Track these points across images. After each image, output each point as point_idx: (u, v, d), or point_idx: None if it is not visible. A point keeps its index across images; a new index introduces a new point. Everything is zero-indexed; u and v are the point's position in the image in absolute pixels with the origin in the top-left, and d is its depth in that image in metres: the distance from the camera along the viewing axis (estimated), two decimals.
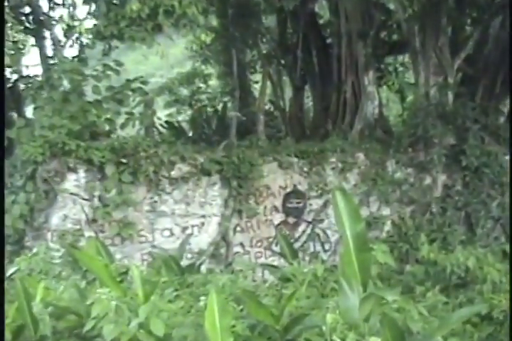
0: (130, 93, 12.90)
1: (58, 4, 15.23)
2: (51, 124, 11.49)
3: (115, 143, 11.58)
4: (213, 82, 22.60)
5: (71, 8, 15.34)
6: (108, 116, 12.54)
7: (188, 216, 12.24)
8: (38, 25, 14.44)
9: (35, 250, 9.28)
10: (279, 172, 13.15)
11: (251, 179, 12.61)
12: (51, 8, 15.07)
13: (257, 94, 18.39)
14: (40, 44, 14.60)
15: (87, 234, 11.32)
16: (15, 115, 14.04)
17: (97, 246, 9.67)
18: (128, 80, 13.05)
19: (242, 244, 12.75)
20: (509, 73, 13.98)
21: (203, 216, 12.40)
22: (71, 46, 14.79)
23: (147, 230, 11.90)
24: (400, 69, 19.72)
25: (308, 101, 20.10)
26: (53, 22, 14.89)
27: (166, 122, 19.08)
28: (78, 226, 11.33)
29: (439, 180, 14.33)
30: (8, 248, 10.67)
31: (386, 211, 13.95)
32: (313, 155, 13.39)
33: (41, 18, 14.51)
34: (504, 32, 14.32)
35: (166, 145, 12.41)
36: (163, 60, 23.73)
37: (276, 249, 12.42)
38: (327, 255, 13.39)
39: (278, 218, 13.11)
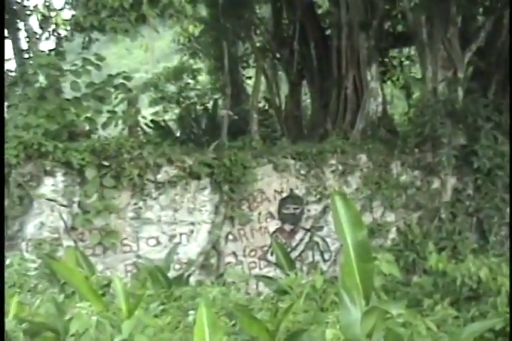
0: (112, 90, 12.92)
1: None
2: (26, 124, 11.49)
3: (96, 145, 11.56)
4: (203, 78, 22.68)
5: None
6: (88, 114, 12.55)
7: (175, 223, 12.23)
8: (11, 16, 14.37)
9: (8, 261, 9.24)
10: (274, 176, 13.16)
11: (244, 183, 12.62)
12: None
13: (250, 90, 18.49)
14: (13, 36, 14.53)
15: (65, 243, 11.29)
16: None
17: (76, 257, 9.66)
18: (110, 76, 13.06)
19: (234, 254, 12.75)
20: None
21: (192, 223, 12.40)
22: (47, 39, 14.73)
23: (131, 239, 11.89)
24: (406, 63, 19.82)
25: (306, 99, 20.19)
26: (27, 12, 14.82)
27: (152, 121, 19.13)
28: (56, 235, 11.30)
29: (448, 184, 14.36)
30: None
31: (391, 217, 13.97)
32: (311, 156, 13.40)
33: (14, 7, 14.47)
34: None
35: (151, 147, 12.40)
36: (147, 54, 23.71)
37: (272, 258, 12.44)
38: (327, 265, 13.41)
39: (273, 225, 13.11)
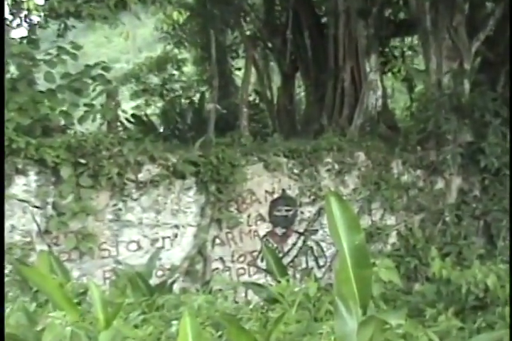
0: (90, 81, 12.91)
1: None
2: None
3: (72, 141, 11.53)
4: (188, 69, 22.68)
5: None
6: (64, 108, 12.52)
7: (158, 226, 12.23)
8: None
9: None
10: (265, 175, 13.17)
11: (232, 183, 12.62)
12: None
13: (239, 82, 18.47)
14: None
15: (38, 247, 11.26)
16: None
17: (50, 262, 9.65)
18: (87, 66, 13.05)
19: (221, 259, 12.76)
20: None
21: (176, 226, 12.40)
22: (19, 25, 14.70)
23: (110, 243, 11.88)
24: (408, 53, 19.81)
25: (300, 92, 20.19)
26: None
27: (133, 116, 19.12)
28: (28, 239, 11.27)
29: (453, 184, 14.40)
30: None
31: (391, 220, 14.01)
32: (305, 154, 13.42)
33: None
34: None
35: (132, 143, 12.38)
36: (128, 43, 23.79)
37: (262, 264, 12.44)
38: (321, 272, 13.43)
39: (264, 228, 13.12)
